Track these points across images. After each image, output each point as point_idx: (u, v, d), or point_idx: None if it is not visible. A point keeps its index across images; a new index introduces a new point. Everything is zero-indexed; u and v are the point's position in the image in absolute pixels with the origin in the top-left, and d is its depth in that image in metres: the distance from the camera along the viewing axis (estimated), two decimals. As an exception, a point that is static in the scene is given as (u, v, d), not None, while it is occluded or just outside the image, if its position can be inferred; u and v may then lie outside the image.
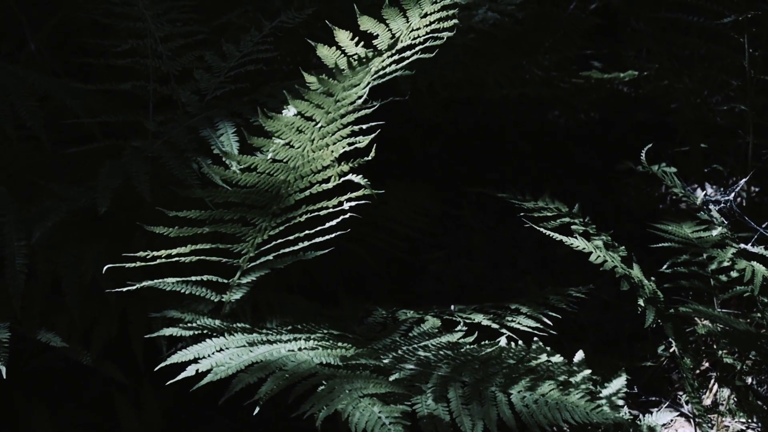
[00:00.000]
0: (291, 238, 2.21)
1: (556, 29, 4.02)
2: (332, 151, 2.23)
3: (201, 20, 2.72)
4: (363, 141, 2.19)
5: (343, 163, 2.22)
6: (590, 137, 4.08)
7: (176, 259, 2.18)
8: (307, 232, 2.19)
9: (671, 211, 3.70)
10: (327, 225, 2.19)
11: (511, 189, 2.92)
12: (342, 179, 2.23)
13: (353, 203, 2.19)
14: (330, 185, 2.24)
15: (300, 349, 2.04)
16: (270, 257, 2.24)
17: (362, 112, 2.22)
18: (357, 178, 2.20)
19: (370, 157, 2.18)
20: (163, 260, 2.16)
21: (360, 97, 2.24)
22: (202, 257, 2.20)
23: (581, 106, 4.18)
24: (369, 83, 2.25)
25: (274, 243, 2.24)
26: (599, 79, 3.95)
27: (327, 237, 2.19)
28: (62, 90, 2.55)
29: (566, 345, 2.76)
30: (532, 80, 3.86)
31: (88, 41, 2.74)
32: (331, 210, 2.20)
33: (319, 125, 2.24)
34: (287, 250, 2.21)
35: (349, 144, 2.22)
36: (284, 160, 2.26)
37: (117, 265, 2.15)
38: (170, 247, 2.16)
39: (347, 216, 2.20)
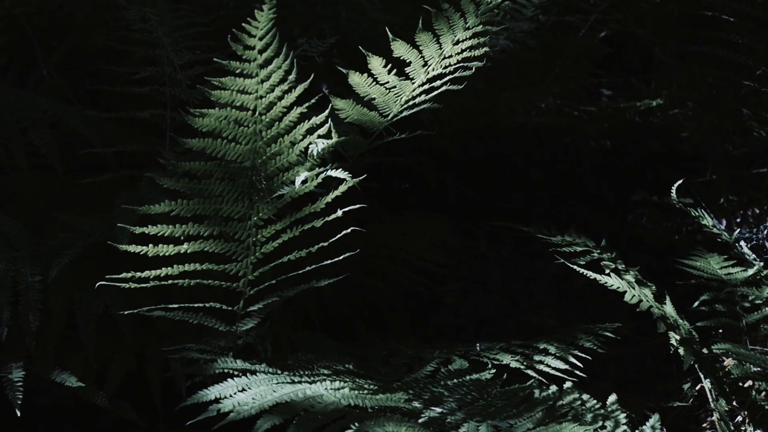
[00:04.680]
0: (292, 257, 2.08)
1: (566, 57, 3.99)
2: (291, 143, 2.09)
3: (219, 47, 2.66)
4: (318, 120, 2.05)
5: (310, 157, 2.08)
6: (602, 166, 4.03)
7: (172, 282, 2.06)
8: (308, 250, 2.06)
9: (687, 242, 3.64)
10: (329, 242, 2.05)
11: (533, 221, 2.86)
12: (320, 176, 2.07)
13: (347, 208, 2.05)
14: (310, 185, 2.09)
15: (327, 390, 1.96)
16: (273, 281, 2.14)
17: (298, 90, 2.07)
18: (336, 172, 2.06)
19: (334, 140, 2.04)
20: (155, 282, 2.05)
21: (287, 72, 2.10)
22: (198, 280, 2.08)
23: (592, 134, 4.14)
24: (294, 58, 2.10)
25: (273, 264, 2.12)
26: (615, 108, 3.91)
27: (336, 260, 2.09)
28: (77, 117, 2.49)
29: (588, 382, 2.70)
30: (546, 108, 3.82)
31: (103, 67, 2.68)
32: (327, 219, 2.06)
33: (257, 113, 2.10)
34: (293, 274, 2.10)
35: (308, 131, 2.08)
36: (238, 160, 2.11)
37: (111, 284, 2.04)
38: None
39: (348, 230, 2.06)
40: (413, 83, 2.31)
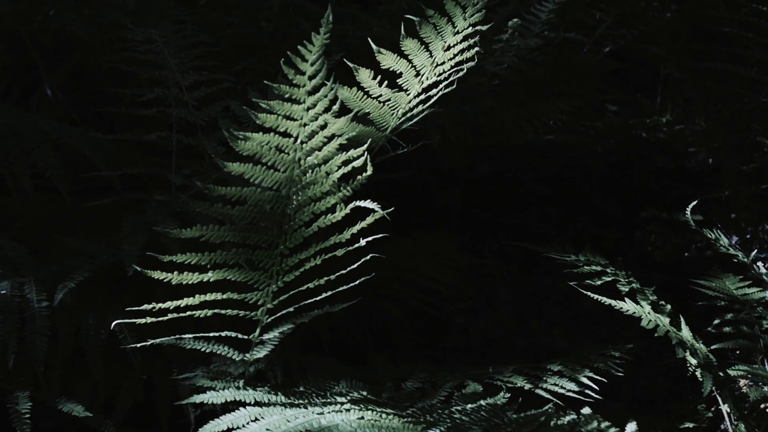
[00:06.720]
0: (311, 285, 2.04)
1: (573, 72, 3.96)
2: (327, 173, 2.04)
3: (224, 67, 2.63)
4: (356, 153, 2.01)
5: (343, 187, 2.04)
6: (609, 182, 4.00)
7: (190, 313, 2.02)
8: (328, 278, 2.02)
9: (697, 259, 3.61)
10: (348, 269, 2.01)
11: (540, 238, 2.83)
12: (349, 207, 2.04)
13: (370, 238, 2.01)
14: (338, 215, 2.06)
15: (342, 420, 1.91)
16: (291, 309, 2.09)
17: (342, 121, 2.02)
18: (366, 203, 2.01)
19: (369, 172, 2.01)
20: (174, 314, 2.00)
21: (332, 102, 2.05)
22: (216, 310, 2.04)
23: (599, 150, 4.11)
24: (331, 81, 2.04)
25: (293, 292, 2.08)
26: (622, 124, 3.88)
27: (351, 285, 2.04)
28: (81, 139, 2.45)
29: (601, 403, 2.65)
30: (553, 125, 3.79)
31: (107, 88, 2.64)
32: (348, 248, 2.03)
33: (299, 140, 2.07)
34: (310, 301, 2.05)
35: (344, 162, 2.03)
36: (273, 188, 2.07)
37: (127, 321, 2.02)
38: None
39: (368, 257, 2.03)
40: (408, 94, 2.26)
